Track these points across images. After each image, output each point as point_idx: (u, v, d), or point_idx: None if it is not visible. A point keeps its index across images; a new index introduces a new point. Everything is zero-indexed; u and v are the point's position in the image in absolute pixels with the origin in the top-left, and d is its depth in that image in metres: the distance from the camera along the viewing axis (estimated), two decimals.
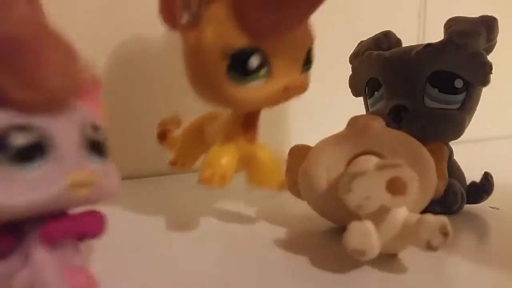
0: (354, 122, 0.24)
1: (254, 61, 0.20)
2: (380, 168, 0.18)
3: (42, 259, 0.14)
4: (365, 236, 0.18)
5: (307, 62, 0.22)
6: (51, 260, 0.14)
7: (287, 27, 0.20)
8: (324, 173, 0.22)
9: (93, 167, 0.14)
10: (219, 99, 0.21)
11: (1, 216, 0.13)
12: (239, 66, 0.19)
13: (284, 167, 0.25)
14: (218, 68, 0.20)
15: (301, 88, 0.22)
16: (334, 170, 0.22)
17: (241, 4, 0.19)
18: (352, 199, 0.18)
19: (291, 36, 0.20)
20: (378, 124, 0.23)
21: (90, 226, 0.15)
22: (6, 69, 0.12)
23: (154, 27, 0.28)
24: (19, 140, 0.13)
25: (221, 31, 0.19)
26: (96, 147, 0.15)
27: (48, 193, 0.13)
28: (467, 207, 0.28)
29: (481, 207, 0.28)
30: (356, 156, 0.22)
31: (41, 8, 0.14)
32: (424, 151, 0.22)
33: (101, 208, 0.16)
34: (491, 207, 0.29)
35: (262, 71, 0.20)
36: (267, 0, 0.19)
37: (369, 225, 0.18)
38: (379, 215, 0.19)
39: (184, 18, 0.20)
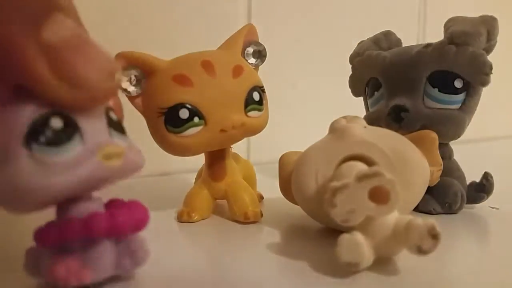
0: (334, 126, 0.23)
1: (183, 114, 0.24)
2: (360, 179, 0.18)
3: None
4: (355, 248, 0.18)
5: (250, 102, 0.25)
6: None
7: None
8: (312, 179, 0.22)
9: (118, 142, 0.16)
10: (167, 148, 0.25)
11: (40, 197, 0.13)
12: (172, 120, 0.24)
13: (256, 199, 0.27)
14: (158, 123, 0.24)
15: (242, 127, 0.25)
16: (322, 176, 0.22)
17: None
18: (337, 214, 0.18)
19: (219, 86, 0.24)
20: (358, 125, 0.23)
21: (95, 226, 0.14)
22: (60, 72, 0.14)
23: None
24: (55, 125, 0.14)
25: (153, 97, 0.24)
26: (117, 126, 0.16)
27: (84, 170, 0.14)
28: (467, 207, 0.28)
29: (481, 207, 0.28)
30: (343, 160, 0.22)
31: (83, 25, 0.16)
32: (410, 146, 0.22)
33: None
34: (491, 207, 0.29)
35: (195, 119, 0.24)
36: None
37: (358, 236, 0.18)
38: (368, 222, 0.18)
39: (127, 92, 0.25)
